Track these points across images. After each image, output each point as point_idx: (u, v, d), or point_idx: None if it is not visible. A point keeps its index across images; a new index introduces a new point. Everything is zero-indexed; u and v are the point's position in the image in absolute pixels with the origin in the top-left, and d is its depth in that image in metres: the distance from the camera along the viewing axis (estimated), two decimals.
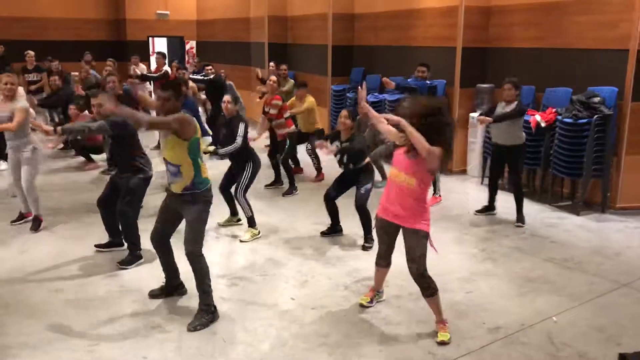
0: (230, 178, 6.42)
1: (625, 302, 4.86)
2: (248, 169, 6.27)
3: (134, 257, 5.47)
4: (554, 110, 7.54)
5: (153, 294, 4.79)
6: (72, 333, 4.22)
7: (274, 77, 8.41)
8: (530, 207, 7.49)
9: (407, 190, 4.11)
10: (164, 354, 3.97)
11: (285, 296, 4.91)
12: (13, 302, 4.74)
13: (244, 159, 6.30)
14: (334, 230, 6.37)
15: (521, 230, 6.61)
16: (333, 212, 6.31)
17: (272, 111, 7.99)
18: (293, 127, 8.34)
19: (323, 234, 6.35)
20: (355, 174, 6.08)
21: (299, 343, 4.15)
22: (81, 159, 9.64)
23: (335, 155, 6.06)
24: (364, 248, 5.97)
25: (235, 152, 6.21)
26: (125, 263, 5.43)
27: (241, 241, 6.17)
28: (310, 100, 8.91)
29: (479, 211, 7.18)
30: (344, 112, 6.12)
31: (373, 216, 4.85)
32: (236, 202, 6.36)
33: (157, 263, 4.97)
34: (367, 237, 6.02)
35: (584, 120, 7.04)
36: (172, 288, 4.82)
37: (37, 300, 4.77)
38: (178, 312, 4.58)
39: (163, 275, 4.82)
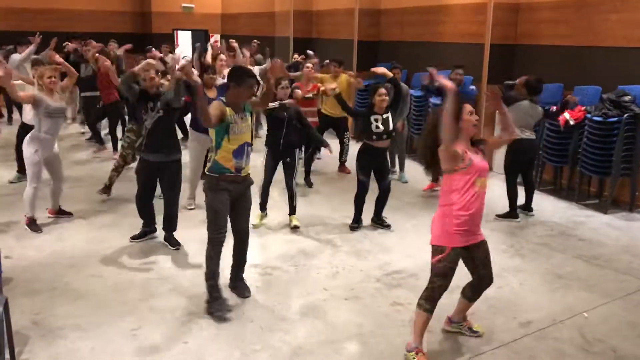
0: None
1: None
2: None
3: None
4: (583, 108, 7.53)
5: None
6: (115, 317, 4.35)
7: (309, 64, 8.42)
8: (557, 205, 7.53)
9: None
10: (203, 339, 4.08)
11: (318, 287, 5.00)
12: (59, 285, 4.89)
13: None
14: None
15: (548, 227, 6.64)
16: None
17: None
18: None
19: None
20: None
21: (334, 331, 4.24)
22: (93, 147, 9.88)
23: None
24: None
25: None
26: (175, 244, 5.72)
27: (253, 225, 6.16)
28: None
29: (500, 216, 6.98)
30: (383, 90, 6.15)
31: None
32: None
33: (192, 253, 5.11)
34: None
35: (614, 119, 7.04)
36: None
37: (80, 284, 4.91)
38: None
39: (200, 266, 4.92)
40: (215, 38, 18.86)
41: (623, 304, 4.81)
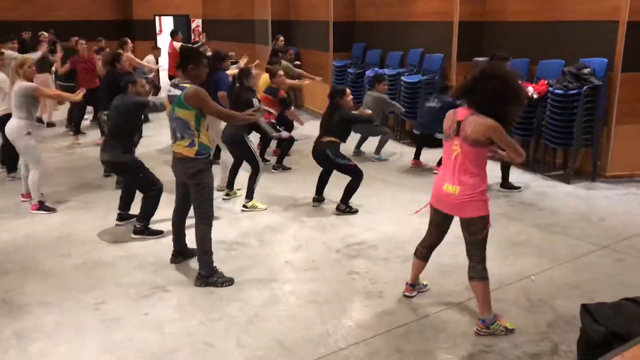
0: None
1: (603, 262, 5.11)
2: None
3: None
4: (545, 82, 7.71)
5: None
6: (81, 293, 4.55)
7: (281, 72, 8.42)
8: (523, 177, 7.73)
9: None
10: (163, 310, 4.29)
11: (280, 260, 5.20)
12: (29, 265, 5.09)
13: None
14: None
15: (510, 198, 6.86)
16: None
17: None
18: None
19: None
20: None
21: (291, 300, 4.46)
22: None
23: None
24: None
25: None
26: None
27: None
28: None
29: None
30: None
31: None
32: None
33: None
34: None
35: (574, 91, 7.22)
36: None
37: (50, 264, 5.11)
38: (180, 274, 4.89)
39: (170, 244, 5.20)
40: (197, 23, 18.99)
41: (571, 266, 5.03)
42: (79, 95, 6.57)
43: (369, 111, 7.01)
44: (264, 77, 8.79)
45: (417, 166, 8.33)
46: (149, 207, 5.67)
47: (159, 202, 5.72)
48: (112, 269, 5.01)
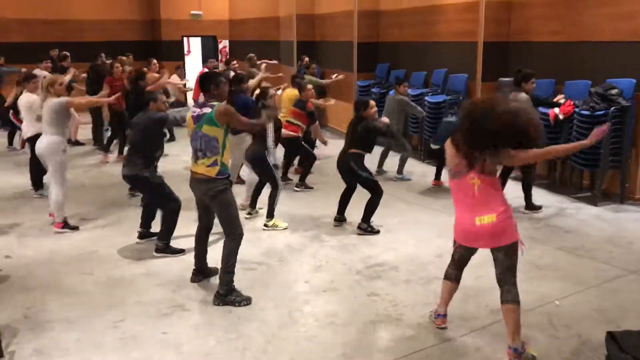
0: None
1: (631, 288, 4.97)
2: None
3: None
4: (572, 102, 7.61)
5: None
6: (101, 310, 4.58)
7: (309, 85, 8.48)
8: (549, 199, 7.61)
9: None
10: (182, 329, 4.29)
11: (300, 280, 5.18)
12: (52, 282, 5.15)
13: None
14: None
15: (536, 220, 6.74)
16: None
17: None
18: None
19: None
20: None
21: (309, 321, 4.42)
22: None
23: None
24: None
25: None
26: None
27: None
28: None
29: None
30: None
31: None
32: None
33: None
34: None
35: (601, 112, 7.11)
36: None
37: (72, 282, 5.16)
38: (199, 293, 4.89)
39: (191, 262, 5.22)
40: (224, 44, 19.26)
41: (596, 291, 4.90)
42: (111, 98, 6.73)
43: (386, 119, 6.95)
44: (290, 92, 8.86)
45: (438, 186, 8.24)
46: (168, 224, 5.71)
47: (178, 219, 5.75)
48: (132, 286, 5.04)
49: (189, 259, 5.30)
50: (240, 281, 5.06)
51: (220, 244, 4.81)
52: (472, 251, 4.11)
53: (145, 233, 6.08)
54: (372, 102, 6.44)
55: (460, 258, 4.15)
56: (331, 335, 4.22)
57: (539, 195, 7.72)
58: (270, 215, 6.50)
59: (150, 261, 5.59)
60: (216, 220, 4.90)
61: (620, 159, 7.26)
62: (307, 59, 12.17)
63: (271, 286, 5.03)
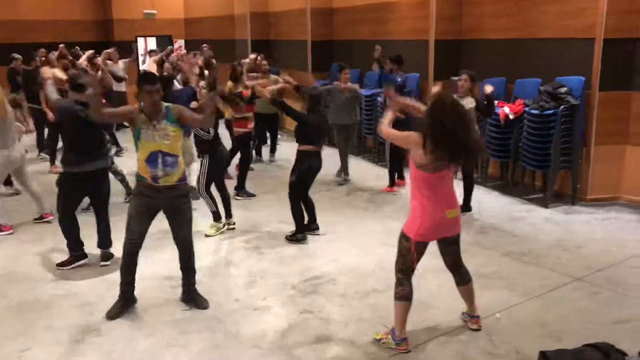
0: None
1: (575, 297, 4.77)
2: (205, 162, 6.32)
3: None
4: (522, 101, 7.43)
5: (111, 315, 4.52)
6: (6, 339, 4.20)
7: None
8: (500, 201, 7.42)
9: None
10: (92, 358, 3.94)
11: (231, 297, 4.86)
12: None
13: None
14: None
15: (484, 224, 6.52)
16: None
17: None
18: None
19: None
20: None
21: (232, 345, 4.11)
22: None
23: None
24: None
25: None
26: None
27: (207, 235, 6.22)
28: None
29: None
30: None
31: None
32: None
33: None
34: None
35: (551, 111, 6.93)
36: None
37: None
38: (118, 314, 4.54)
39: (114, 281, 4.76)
40: (179, 43, 18.74)
41: (539, 302, 4.69)
42: None
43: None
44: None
45: (391, 191, 7.98)
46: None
47: None
48: (47, 310, 4.65)
49: (113, 277, 4.92)
50: (167, 301, 4.75)
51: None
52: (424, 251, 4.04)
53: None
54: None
55: (415, 266, 4.02)
56: None
57: (490, 197, 7.55)
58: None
59: (71, 282, 5.20)
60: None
61: (571, 159, 7.09)
62: (253, 56, 11.64)
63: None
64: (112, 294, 4.69)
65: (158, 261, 5.49)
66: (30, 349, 4.06)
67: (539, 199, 7.36)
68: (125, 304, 4.57)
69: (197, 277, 5.14)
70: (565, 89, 7.00)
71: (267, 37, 13.73)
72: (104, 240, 5.56)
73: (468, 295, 4.25)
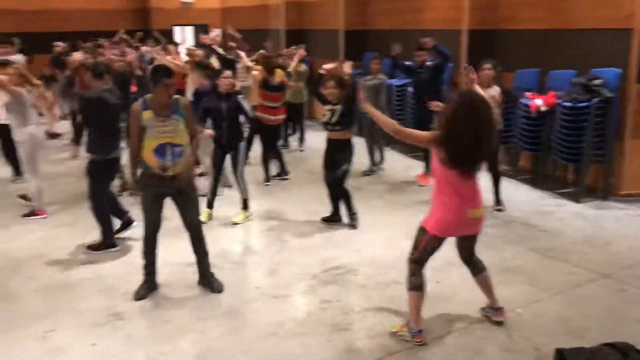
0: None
1: (600, 294, 4.66)
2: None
3: None
4: (555, 93, 7.26)
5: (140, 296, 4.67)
6: (33, 320, 4.34)
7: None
8: (531, 195, 7.28)
9: None
10: (113, 341, 4.04)
11: (251, 285, 4.91)
12: None
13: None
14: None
15: (512, 218, 6.41)
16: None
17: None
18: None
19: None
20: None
21: (250, 333, 4.15)
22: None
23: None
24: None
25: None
26: None
27: (234, 223, 6.29)
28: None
29: None
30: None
31: None
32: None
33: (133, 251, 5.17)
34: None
35: (584, 104, 6.75)
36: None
37: (12, 287, 4.92)
38: (142, 300, 4.64)
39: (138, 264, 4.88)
40: (216, 32, 18.87)
41: (563, 298, 4.60)
42: None
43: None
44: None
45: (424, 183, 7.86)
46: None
47: None
48: (73, 293, 4.78)
49: (139, 262, 5.02)
50: (188, 287, 4.83)
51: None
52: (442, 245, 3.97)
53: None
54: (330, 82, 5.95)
55: (429, 258, 3.98)
56: (269, 348, 3.95)
57: (520, 191, 7.42)
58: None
59: (98, 265, 5.32)
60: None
61: (604, 152, 6.91)
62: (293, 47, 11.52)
63: (220, 293, 4.76)
64: (137, 279, 4.80)
65: (180, 248, 5.57)
66: (55, 329, 4.19)
67: (571, 193, 7.20)
68: (150, 287, 4.68)
69: (220, 263, 5.25)
70: (599, 81, 6.81)
71: (301, 26, 13.70)
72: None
73: (486, 285, 4.19)
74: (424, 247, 3.91)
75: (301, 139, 10.02)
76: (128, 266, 5.23)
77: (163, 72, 4.42)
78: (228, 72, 6.27)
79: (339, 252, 5.57)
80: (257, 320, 4.32)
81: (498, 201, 6.71)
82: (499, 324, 4.18)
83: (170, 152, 4.44)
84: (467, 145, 3.55)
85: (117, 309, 4.48)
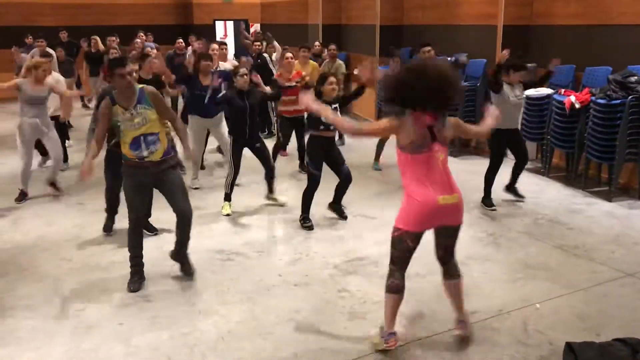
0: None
1: (622, 293, 4.62)
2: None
3: None
4: (589, 90, 7.16)
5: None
6: (67, 298, 4.57)
7: (289, 54, 8.22)
8: (562, 192, 7.21)
9: None
10: (139, 321, 4.23)
11: (274, 273, 5.04)
12: (29, 268, 5.18)
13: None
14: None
15: (540, 215, 6.37)
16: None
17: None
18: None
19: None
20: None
21: (270, 317, 4.28)
22: None
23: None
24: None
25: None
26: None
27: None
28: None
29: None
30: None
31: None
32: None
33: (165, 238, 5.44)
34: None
35: (618, 101, 6.65)
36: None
37: (48, 268, 5.18)
38: (167, 283, 4.82)
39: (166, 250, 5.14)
40: (255, 27, 19.09)
41: (583, 295, 4.58)
42: None
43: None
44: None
45: None
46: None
47: None
48: (105, 274, 5.01)
49: (168, 247, 5.21)
50: (214, 272, 4.99)
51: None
52: (419, 241, 3.70)
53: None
54: (331, 79, 5.86)
55: (409, 256, 3.72)
56: (288, 332, 4.07)
57: (552, 188, 7.35)
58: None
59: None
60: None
61: (638, 151, 6.79)
62: (317, 44, 11.47)
63: (242, 279, 4.91)
64: (165, 264, 5.02)
65: (211, 235, 5.79)
66: (85, 308, 4.41)
67: (603, 192, 7.10)
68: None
69: (247, 252, 5.41)
70: (635, 78, 6.68)
71: (338, 21, 13.78)
72: None
73: (455, 293, 3.90)
74: (400, 246, 3.65)
75: (340, 135, 10.07)
76: (158, 252, 5.40)
77: (117, 62, 4.51)
78: (243, 70, 6.36)
79: (362, 244, 5.65)
80: (277, 306, 4.45)
81: (513, 189, 6.71)
82: (465, 336, 3.99)
83: (144, 142, 4.51)
84: (420, 96, 3.41)
85: (144, 291, 4.68)
